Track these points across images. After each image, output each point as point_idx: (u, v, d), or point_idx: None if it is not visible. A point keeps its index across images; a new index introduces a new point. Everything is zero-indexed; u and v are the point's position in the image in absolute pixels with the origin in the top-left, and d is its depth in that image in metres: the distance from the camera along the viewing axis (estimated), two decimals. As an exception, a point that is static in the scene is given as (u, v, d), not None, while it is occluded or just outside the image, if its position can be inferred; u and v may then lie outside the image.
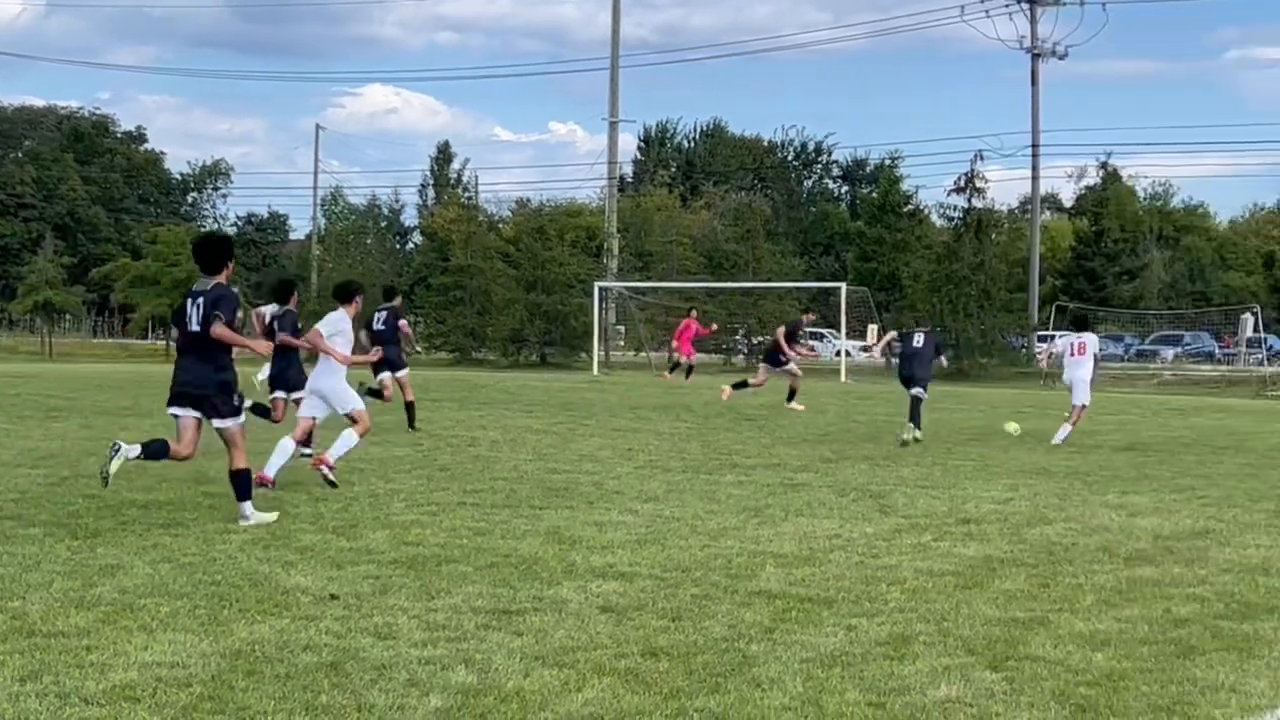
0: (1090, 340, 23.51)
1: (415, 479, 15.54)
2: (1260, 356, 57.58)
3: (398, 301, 22.39)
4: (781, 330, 30.07)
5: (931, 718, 6.75)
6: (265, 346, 14.89)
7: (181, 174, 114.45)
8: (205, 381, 12.07)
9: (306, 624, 8.32)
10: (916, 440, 21.67)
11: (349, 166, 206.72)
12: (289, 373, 17.41)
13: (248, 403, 14.66)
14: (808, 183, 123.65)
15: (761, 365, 26.23)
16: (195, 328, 12.02)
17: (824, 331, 77.15)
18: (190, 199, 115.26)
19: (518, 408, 28.46)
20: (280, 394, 17.52)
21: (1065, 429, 22.42)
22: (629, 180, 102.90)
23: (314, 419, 15.38)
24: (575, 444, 20.37)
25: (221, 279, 12.29)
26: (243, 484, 12.22)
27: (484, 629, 8.31)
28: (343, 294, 15.86)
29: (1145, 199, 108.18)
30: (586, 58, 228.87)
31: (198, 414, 12.16)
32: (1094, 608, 9.27)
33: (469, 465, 17.17)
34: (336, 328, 15.06)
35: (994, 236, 61.02)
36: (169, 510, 12.77)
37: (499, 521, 12.46)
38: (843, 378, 51.14)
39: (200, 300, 12.06)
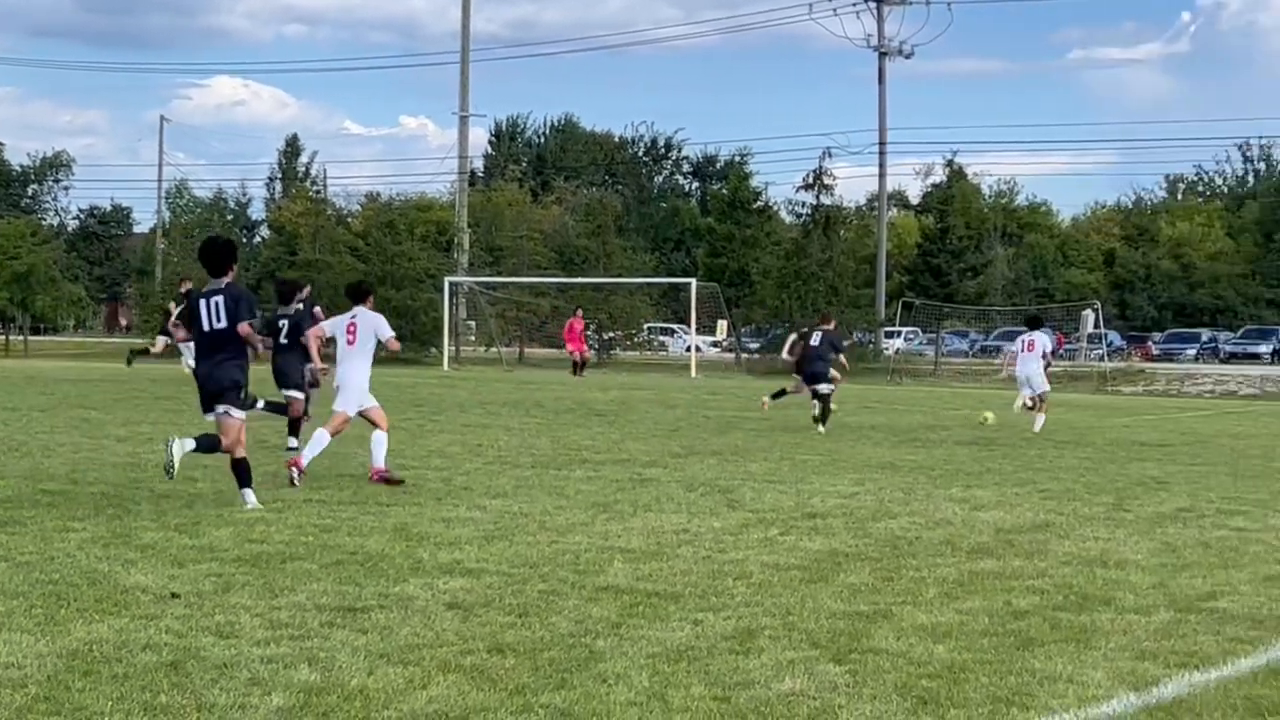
0: (1039, 338, 25.75)
1: (259, 476, 15.25)
2: (1100, 352, 58.70)
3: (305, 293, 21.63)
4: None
5: (775, 711, 6.79)
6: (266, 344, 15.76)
7: (22, 166, 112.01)
8: (223, 377, 12.86)
9: (146, 623, 8.18)
10: (820, 430, 23.27)
11: (195, 159, 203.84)
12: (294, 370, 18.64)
13: (260, 403, 16.94)
14: (658, 179, 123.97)
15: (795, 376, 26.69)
16: (220, 325, 12.81)
17: (674, 327, 77.54)
18: (30, 191, 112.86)
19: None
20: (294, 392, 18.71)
21: (1040, 418, 25.03)
22: (480, 175, 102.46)
23: (349, 415, 15.82)
24: (424, 440, 20.26)
25: (229, 279, 12.98)
26: (243, 474, 13.00)
27: (328, 627, 8.23)
28: (359, 293, 16.34)
29: (990, 197, 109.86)
30: (437, 51, 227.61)
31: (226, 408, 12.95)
32: (936, 600, 9.39)
33: (316, 462, 16.95)
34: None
35: (842, 233, 61.69)
36: (5, 508, 12.51)
37: (345, 518, 12.35)
38: (693, 373, 51.38)
39: (217, 300, 12.80)
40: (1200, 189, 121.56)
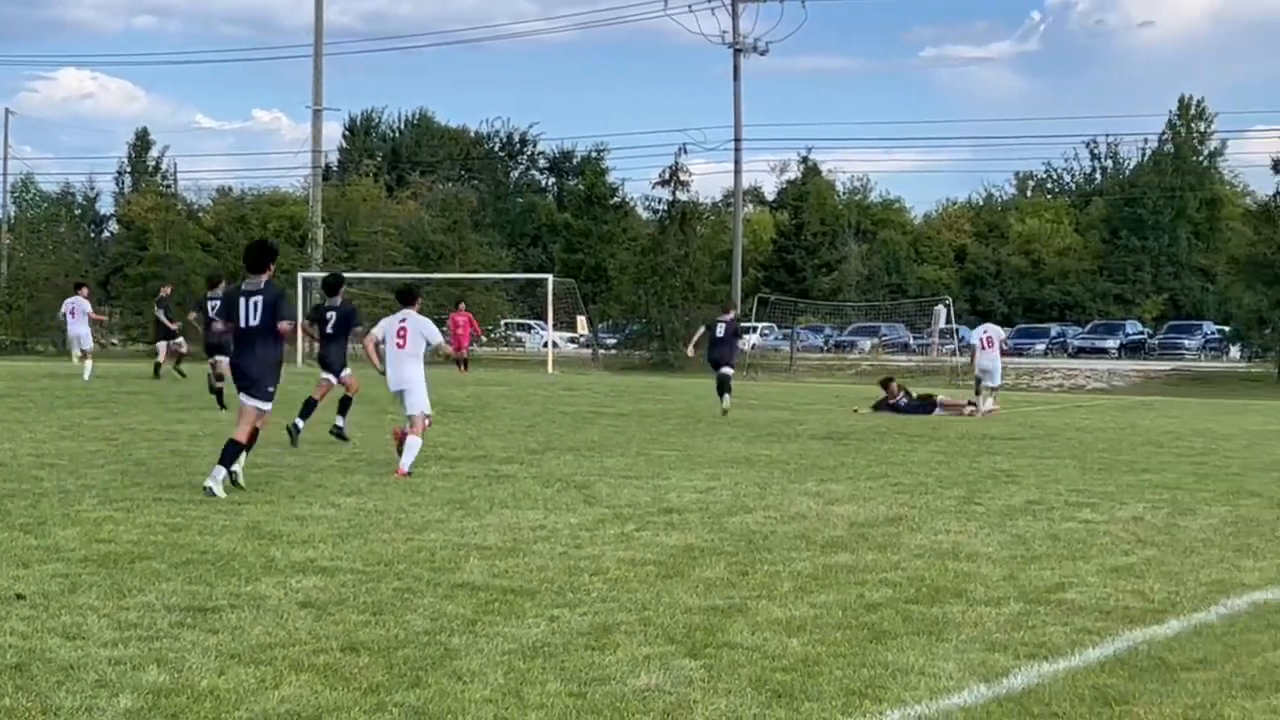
0: (995, 331, 30.90)
1: (108, 474, 15.10)
2: (953, 347, 59.45)
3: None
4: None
5: (631, 707, 6.79)
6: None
7: None
8: (254, 369, 14.16)
9: (-10, 626, 8.01)
10: (724, 413, 25.88)
11: (42, 153, 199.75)
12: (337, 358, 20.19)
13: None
14: (514, 174, 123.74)
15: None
16: (255, 322, 14.13)
17: (531, 323, 77.41)
18: None
19: (217, 401, 27.81)
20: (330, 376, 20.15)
21: (990, 403, 29.01)
22: (334, 169, 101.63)
23: (428, 413, 16.94)
24: (277, 437, 19.97)
25: (267, 277, 14.47)
26: (230, 453, 13.88)
27: (178, 627, 8.10)
28: (409, 297, 17.49)
29: (844, 194, 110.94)
30: (291, 45, 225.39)
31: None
32: (791, 594, 9.44)
33: (166, 460, 16.75)
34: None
35: (698, 229, 61.93)
36: None
37: (196, 517, 12.18)
38: (550, 369, 51.32)
39: (256, 299, 14.18)
40: (1049, 186, 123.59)
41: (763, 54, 67.89)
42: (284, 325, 14.20)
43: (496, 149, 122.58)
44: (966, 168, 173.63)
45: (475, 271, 63.89)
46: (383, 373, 17.13)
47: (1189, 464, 18.95)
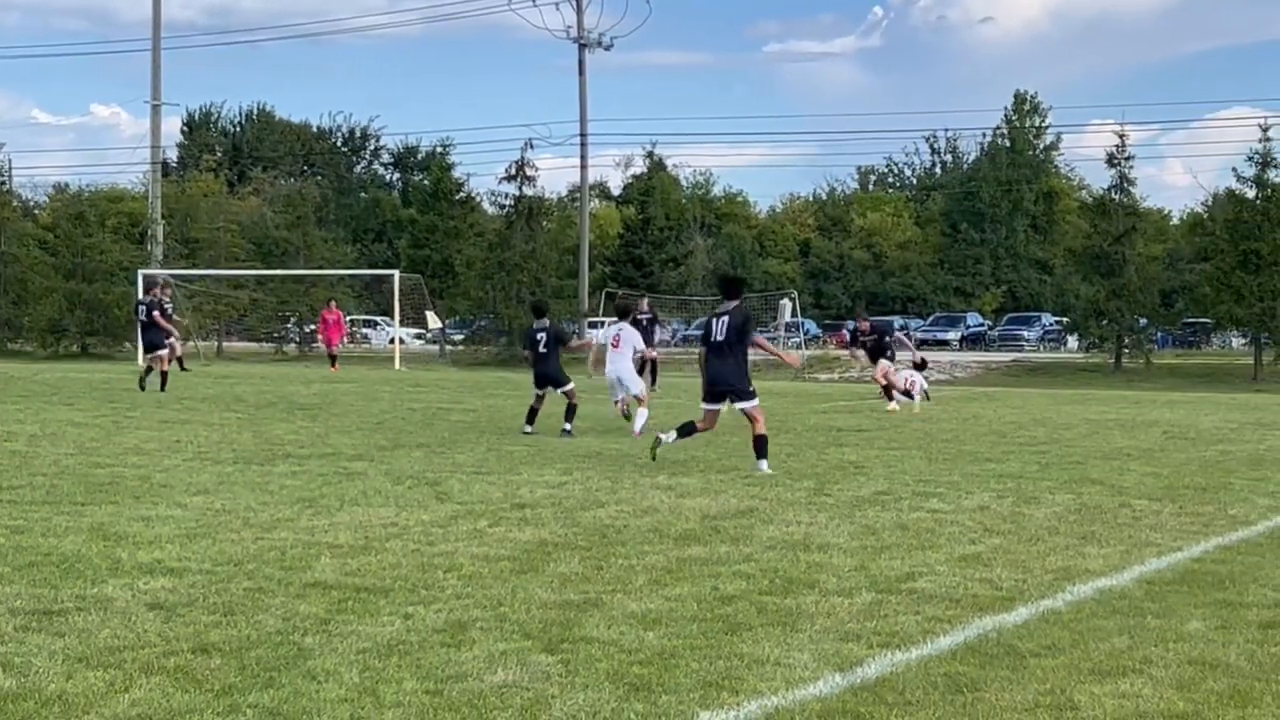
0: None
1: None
2: (798, 340, 59.98)
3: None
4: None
5: (489, 703, 6.76)
6: (792, 358, 22.77)
7: None
8: (730, 377, 16.81)
9: None
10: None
11: None
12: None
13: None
14: (358, 169, 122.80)
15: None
16: (720, 337, 16.72)
17: (377, 319, 76.86)
18: None
19: (58, 400, 27.36)
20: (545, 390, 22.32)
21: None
22: (173, 165, 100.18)
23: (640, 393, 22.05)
24: (120, 437, 19.69)
25: (737, 303, 17.00)
26: (761, 445, 16.69)
27: (23, 631, 7.93)
28: (623, 311, 23.04)
29: (688, 188, 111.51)
30: (130, 39, 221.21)
31: (719, 406, 17.11)
32: (645, 588, 9.46)
33: (5, 461, 16.39)
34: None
35: (545, 224, 61.86)
36: None
37: (39, 519, 11.92)
38: (397, 365, 51.01)
39: (724, 319, 16.72)
40: (890, 181, 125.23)
41: (607, 49, 68.05)
42: (756, 338, 17.69)
43: (339, 144, 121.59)
44: (810, 162, 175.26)
45: (320, 268, 63.28)
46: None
47: (1032, 453, 19.28)
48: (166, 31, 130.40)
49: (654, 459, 17.19)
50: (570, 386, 22.05)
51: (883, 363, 29.16)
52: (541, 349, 22.15)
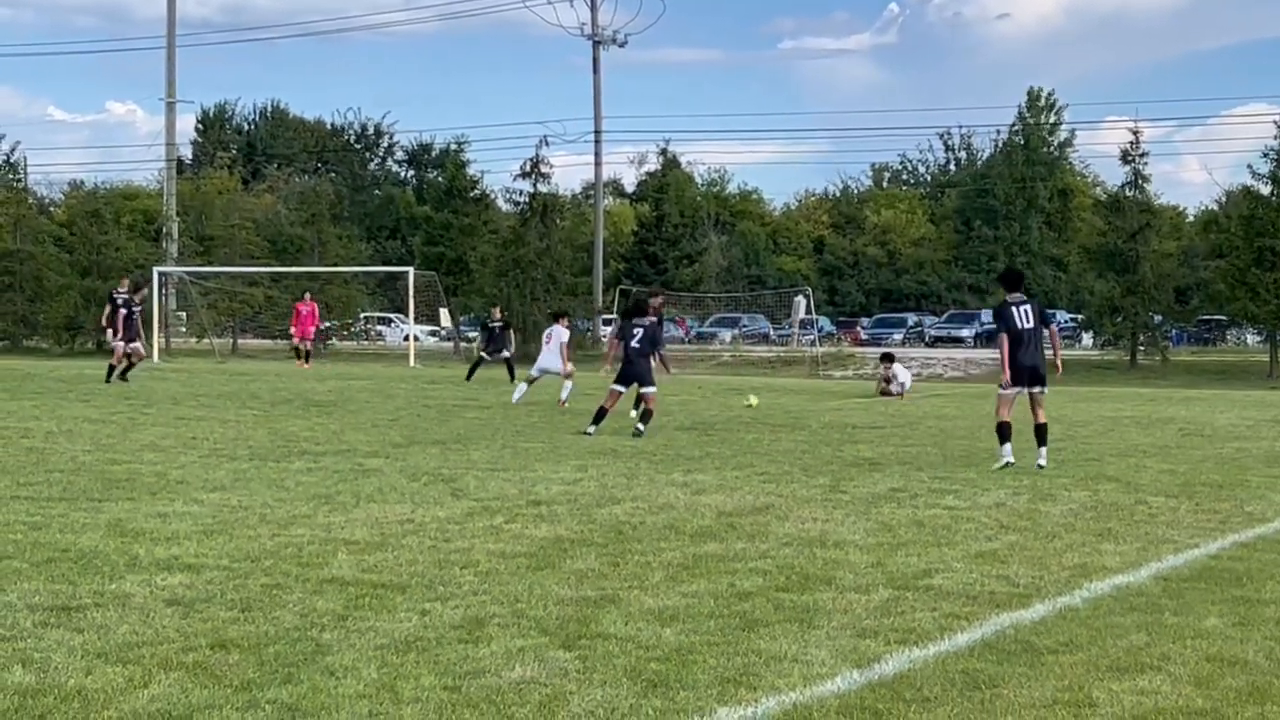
0: None
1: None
2: (812, 337, 59.94)
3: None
4: None
5: (507, 699, 6.76)
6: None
7: None
8: (1041, 358, 17.36)
9: None
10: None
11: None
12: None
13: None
14: (372, 166, 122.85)
15: None
16: (1029, 324, 17.21)
17: (391, 316, 76.88)
18: None
19: (74, 397, 27.42)
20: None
21: None
22: (188, 162, 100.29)
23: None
24: (136, 434, 19.73)
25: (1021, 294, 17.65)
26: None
27: (42, 627, 7.95)
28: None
29: (703, 185, 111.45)
30: (146, 36, 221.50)
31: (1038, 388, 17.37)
32: (662, 584, 9.46)
33: (22, 457, 16.43)
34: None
35: (559, 221, 61.87)
36: None
37: (56, 515, 11.94)
38: (411, 362, 51.04)
39: (1026, 308, 17.27)
40: (904, 178, 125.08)
41: (622, 46, 68.13)
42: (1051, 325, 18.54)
43: (352, 141, 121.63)
44: (824, 159, 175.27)
45: (334, 265, 63.33)
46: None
47: (1048, 451, 19.21)
48: (181, 29, 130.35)
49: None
50: (653, 390, 21.82)
51: None
52: (634, 343, 21.95)
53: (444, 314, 58.63)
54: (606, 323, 67.08)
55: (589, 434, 20.71)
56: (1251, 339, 67.96)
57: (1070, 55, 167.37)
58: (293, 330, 48.45)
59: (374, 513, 12.45)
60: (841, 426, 23.27)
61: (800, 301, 63.70)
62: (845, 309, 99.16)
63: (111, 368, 32.93)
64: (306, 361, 46.87)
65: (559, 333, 27.30)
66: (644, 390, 21.70)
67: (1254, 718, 6.68)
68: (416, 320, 58.46)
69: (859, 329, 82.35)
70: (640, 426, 21.03)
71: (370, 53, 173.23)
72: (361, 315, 69.80)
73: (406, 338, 59.47)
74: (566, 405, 26.08)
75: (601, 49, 67.36)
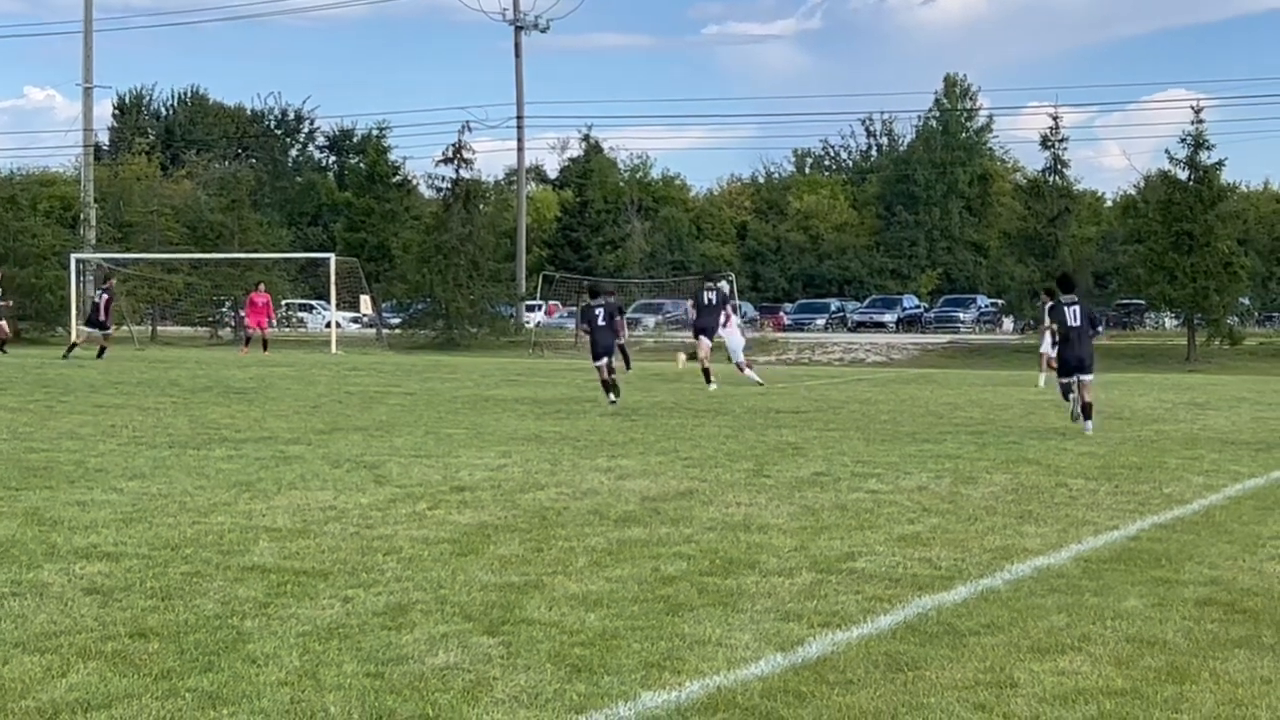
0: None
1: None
2: (738, 322, 60.02)
3: None
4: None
5: (430, 685, 6.73)
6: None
7: None
8: (1086, 355, 20.07)
9: None
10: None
11: None
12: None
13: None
14: (292, 152, 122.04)
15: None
16: (1077, 323, 19.81)
17: (313, 303, 76.46)
18: None
19: (-10, 385, 27.08)
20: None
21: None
22: (105, 148, 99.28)
23: None
24: (54, 422, 19.51)
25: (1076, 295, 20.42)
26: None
27: (-43, 618, 7.85)
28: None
29: (626, 171, 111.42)
30: (67, 19, 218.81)
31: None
32: (586, 569, 9.45)
33: (-63, 446, 16.21)
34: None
35: (482, 207, 61.71)
36: None
37: (-28, 504, 11.80)
38: (333, 349, 50.80)
39: (1075, 309, 19.96)
40: (826, 163, 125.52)
41: (544, 31, 68.11)
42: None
43: (273, 127, 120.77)
44: (747, 145, 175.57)
45: (255, 251, 62.87)
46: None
47: (968, 434, 19.39)
48: (100, 12, 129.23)
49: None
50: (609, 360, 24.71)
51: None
52: (599, 322, 24.88)
53: (365, 300, 58.32)
54: (530, 308, 67.06)
55: (614, 402, 23.70)
56: (1169, 323, 68.65)
57: (993, 41, 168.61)
58: (247, 320, 48.44)
59: (296, 500, 12.37)
60: (764, 411, 23.32)
61: (724, 287, 63.77)
62: (768, 294, 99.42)
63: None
64: (258, 348, 46.54)
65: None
66: (606, 360, 24.49)
67: (1173, 697, 6.74)
68: (338, 307, 58.15)
69: (782, 314, 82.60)
70: (614, 399, 23.89)
71: (291, 38, 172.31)
72: (283, 302, 69.28)
73: (328, 324, 59.15)
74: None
75: (524, 34, 67.25)
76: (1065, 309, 20.02)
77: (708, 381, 28.61)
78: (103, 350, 40.46)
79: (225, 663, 7.03)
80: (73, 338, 53.68)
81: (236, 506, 11.95)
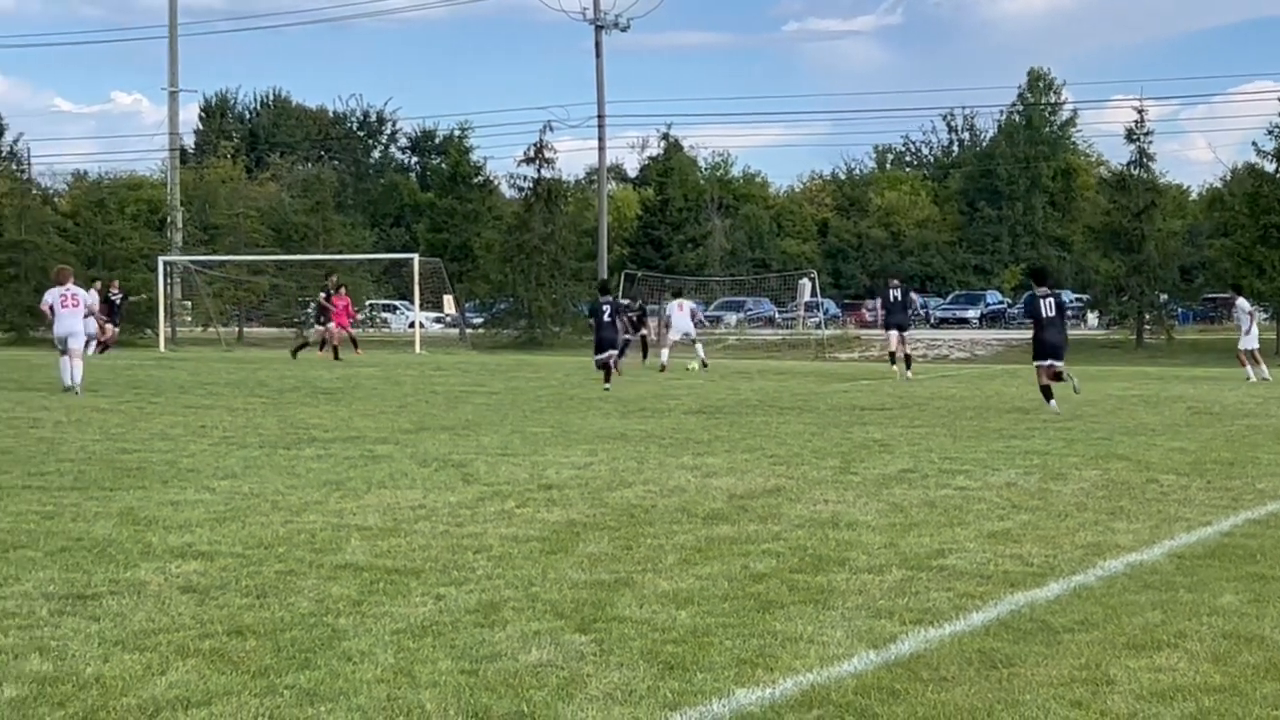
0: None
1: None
2: (818, 320, 59.90)
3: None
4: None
5: (525, 682, 6.76)
6: None
7: None
8: (1064, 339, 22.44)
9: None
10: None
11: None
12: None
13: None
14: (375, 154, 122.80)
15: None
16: (1052, 314, 22.01)
17: (397, 304, 76.92)
18: None
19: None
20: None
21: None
22: (191, 152, 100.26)
23: None
24: (145, 422, 19.74)
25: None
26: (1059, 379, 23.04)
27: (58, 615, 7.95)
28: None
29: (706, 169, 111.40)
30: (153, 24, 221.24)
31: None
32: (676, 567, 9.46)
33: (33, 447, 16.44)
34: None
35: (563, 206, 61.85)
36: None
37: (68, 504, 11.95)
38: (418, 349, 51.08)
39: (1049, 300, 22.00)
40: (908, 159, 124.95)
41: (624, 30, 67.94)
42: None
43: (355, 128, 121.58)
44: (828, 142, 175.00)
45: (339, 252, 63.32)
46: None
47: (1056, 430, 19.24)
48: (186, 17, 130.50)
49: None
50: (614, 353, 28.23)
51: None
52: (605, 318, 28.70)
53: (448, 300, 58.61)
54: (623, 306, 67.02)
55: (608, 389, 26.31)
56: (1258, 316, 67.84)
57: (1076, 34, 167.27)
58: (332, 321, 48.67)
59: (385, 498, 12.46)
60: (849, 408, 23.26)
61: (805, 284, 63.69)
62: (850, 291, 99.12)
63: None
64: (353, 346, 46.74)
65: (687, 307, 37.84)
66: (612, 354, 28.15)
67: (1272, 693, 6.67)
68: (422, 307, 58.44)
69: (864, 311, 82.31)
70: (608, 386, 26.91)
71: (372, 40, 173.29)
72: (367, 303, 69.72)
73: (412, 324, 59.47)
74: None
75: (604, 33, 67.23)
76: (1040, 300, 22.12)
77: (905, 366, 31.65)
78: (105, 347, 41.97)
79: (321, 660, 7.09)
80: (160, 339, 54.37)
81: (327, 505, 12.05)
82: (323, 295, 44.65)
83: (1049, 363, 22.04)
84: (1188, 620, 8.02)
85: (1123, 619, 8.05)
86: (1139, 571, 9.40)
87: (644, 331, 41.85)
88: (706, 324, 53.41)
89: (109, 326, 41.93)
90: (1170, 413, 22.54)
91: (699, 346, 37.95)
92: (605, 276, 62.09)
